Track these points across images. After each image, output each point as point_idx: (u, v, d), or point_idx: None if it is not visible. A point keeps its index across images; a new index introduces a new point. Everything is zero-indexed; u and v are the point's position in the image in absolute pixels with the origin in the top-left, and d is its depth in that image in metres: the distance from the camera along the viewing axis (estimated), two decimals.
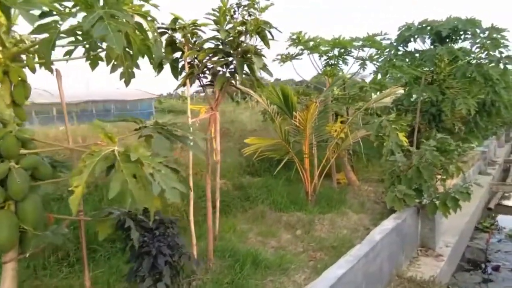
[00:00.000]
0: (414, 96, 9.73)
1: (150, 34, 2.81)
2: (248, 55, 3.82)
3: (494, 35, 9.25)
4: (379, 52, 10.11)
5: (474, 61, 9.55)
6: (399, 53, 10.39)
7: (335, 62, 8.06)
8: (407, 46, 10.52)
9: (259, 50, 3.80)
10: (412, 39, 10.40)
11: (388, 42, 9.00)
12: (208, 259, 4.22)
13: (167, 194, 2.29)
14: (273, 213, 6.12)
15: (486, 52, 9.63)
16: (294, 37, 7.65)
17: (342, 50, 7.95)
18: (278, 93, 6.23)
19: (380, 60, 9.46)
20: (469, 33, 9.58)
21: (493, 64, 9.18)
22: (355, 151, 9.26)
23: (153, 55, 2.70)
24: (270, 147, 6.62)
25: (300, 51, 8.21)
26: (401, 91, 10.10)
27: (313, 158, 6.94)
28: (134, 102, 34.68)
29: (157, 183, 2.30)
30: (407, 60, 10.17)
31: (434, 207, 5.67)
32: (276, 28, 3.92)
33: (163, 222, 3.41)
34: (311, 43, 7.90)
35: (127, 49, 2.72)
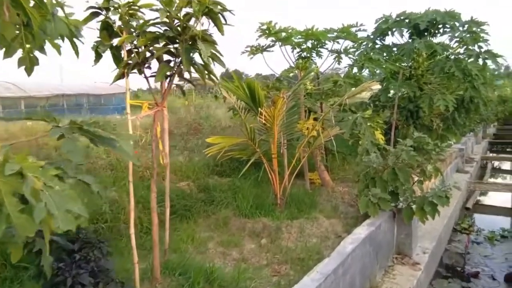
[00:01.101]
0: (392, 91, 9.35)
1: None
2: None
3: (474, 29, 8.91)
4: (355, 45, 9.69)
5: (453, 56, 9.21)
6: (377, 46, 9.99)
7: (308, 55, 7.54)
8: (384, 40, 10.11)
9: (209, 36, 3.23)
10: (389, 33, 10.00)
11: (365, 34, 8.54)
12: (154, 279, 3.66)
13: (57, 220, 1.72)
14: (238, 219, 5.57)
15: (465, 46, 9.31)
16: (264, 27, 7.10)
17: (316, 42, 7.43)
18: (244, 88, 5.68)
19: (356, 53, 9.03)
20: (448, 26, 9.22)
21: (472, 59, 8.85)
22: (330, 150, 8.82)
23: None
24: (236, 147, 6.06)
25: (272, 43, 7.66)
26: (378, 86, 9.72)
27: (283, 158, 6.43)
28: (108, 97, 33.56)
29: (43, 204, 1.73)
30: (384, 54, 9.78)
31: (410, 212, 5.24)
32: (230, 11, 3.37)
33: (90, 242, 2.83)
34: (283, 34, 7.36)
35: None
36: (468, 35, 8.67)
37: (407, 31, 9.92)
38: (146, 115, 3.52)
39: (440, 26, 9.59)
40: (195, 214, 5.91)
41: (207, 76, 3.46)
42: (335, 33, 7.10)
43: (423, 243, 6.23)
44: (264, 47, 7.73)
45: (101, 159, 7.14)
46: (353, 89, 6.66)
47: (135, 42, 3.34)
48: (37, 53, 2.87)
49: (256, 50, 7.72)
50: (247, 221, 5.45)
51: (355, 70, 7.53)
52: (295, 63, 7.16)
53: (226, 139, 5.83)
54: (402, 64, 9.88)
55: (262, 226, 5.28)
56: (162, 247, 4.68)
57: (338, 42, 7.66)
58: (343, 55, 8.10)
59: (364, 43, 9.87)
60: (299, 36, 7.51)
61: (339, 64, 8.15)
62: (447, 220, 7.50)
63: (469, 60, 8.81)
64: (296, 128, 6.50)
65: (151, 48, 3.34)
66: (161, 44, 3.33)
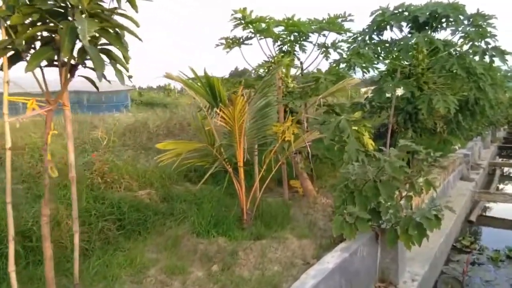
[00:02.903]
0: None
1: None
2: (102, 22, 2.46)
3: (480, 22, 7.99)
4: (349, 39, 8.84)
5: (456, 53, 8.30)
6: (374, 41, 9.11)
7: (289, 49, 6.71)
8: (381, 34, 9.22)
9: (105, 10, 2.41)
10: (388, 27, 9.11)
11: (353, 25, 7.69)
12: None
13: None
14: (192, 238, 4.75)
15: (470, 42, 8.40)
16: (238, 15, 6.27)
17: (298, 35, 6.59)
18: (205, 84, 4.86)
19: (351, 48, 8.19)
20: (452, 19, 8.31)
21: (477, 57, 7.93)
22: (317, 155, 7.99)
23: None
24: (197, 152, 5.23)
25: (251, 35, 6.84)
26: (372, 87, 8.85)
27: (254, 166, 5.61)
28: (109, 94, 33.18)
29: None
30: (381, 50, 8.91)
31: (394, 235, 4.38)
32: None
33: None
34: (263, 25, 6.54)
35: None
36: (473, 29, 7.75)
37: (407, 26, 9.04)
38: (31, 115, 2.72)
39: (443, 20, 8.69)
40: (149, 230, 5.14)
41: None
42: (319, 24, 6.23)
43: (413, 267, 5.35)
44: (242, 39, 6.92)
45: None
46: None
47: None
48: None
49: (232, 43, 6.91)
50: (201, 241, 4.62)
51: (342, 66, 6.66)
52: (273, 57, 6.31)
53: (181, 144, 5.00)
54: (403, 62, 9.04)
55: (217, 248, 4.45)
56: (88, 276, 3.92)
57: (324, 35, 6.80)
58: (332, 50, 7.25)
59: (360, 37, 9.04)
60: (281, 28, 6.69)
61: (327, 59, 7.30)
62: (445, 237, 6.60)
63: (474, 58, 7.92)
64: (269, 131, 5.68)
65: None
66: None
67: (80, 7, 2.40)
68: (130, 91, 36.55)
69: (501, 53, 7.72)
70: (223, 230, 4.76)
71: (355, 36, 8.94)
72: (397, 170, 4.25)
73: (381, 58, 9.13)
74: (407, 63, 8.98)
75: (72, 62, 2.75)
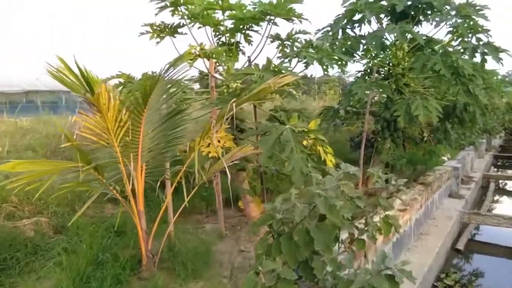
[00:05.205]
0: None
1: None
2: None
3: (469, 14, 6.65)
4: (317, 33, 7.53)
5: (442, 50, 6.95)
6: (350, 36, 7.76)
7: (230, 39, 5.36)
8: (359, 28, 7.86)
9: None
10: (365, 20, 7.75)
11: (304, 9, 6.26)
12: None
13: None
14: None
15: (460, 39, 7.07)
16: None
17: (240, 23, 5.22)
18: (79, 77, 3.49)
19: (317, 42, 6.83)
20: (436, 10, 6.97)
21: (466, 55, 6.59)
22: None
23: None
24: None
25: (185, 22, 5.47)
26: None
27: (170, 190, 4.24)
28: None
29: None
30: (356, 47, 7.56)
31: None
32: None
33: None
34: (198, 8, 5.17)
35: None
36: (460, 21, 6.41)
37: (385, 17, 7.71)
38: None
39: (429, 12, 7.36)
40: (11, 278, 3.76)
41: None
42: (261, 7, 4.85)
43: None
44: (172, 27, 5.56)
45: None
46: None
47: None
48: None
49: (161, 31, 5.54)
50: None
51: (294, 61, 5.27)
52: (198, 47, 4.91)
53: (40, 164, 3.60)
54: (387, 61, 7.75)
55: None
56: None
57: (276, 24, 5.42)
58: (289, 43, 5.87)
59: (329, 31, 7.72)
60: (225, 14, 5.32)
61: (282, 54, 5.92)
62: (422, 279, 5.25)
63: (463, 56, 6.57)
64: (192, 143, 4.30)
65: None
66: None
67: None
68: None
69: (495, 50, 6.38)
70: (102, 282, 3.37)
71: (324, 29, 7.63)
72: (334, 210, 2.87)
73: (358, 56, 7.82)
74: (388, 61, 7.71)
75: None
